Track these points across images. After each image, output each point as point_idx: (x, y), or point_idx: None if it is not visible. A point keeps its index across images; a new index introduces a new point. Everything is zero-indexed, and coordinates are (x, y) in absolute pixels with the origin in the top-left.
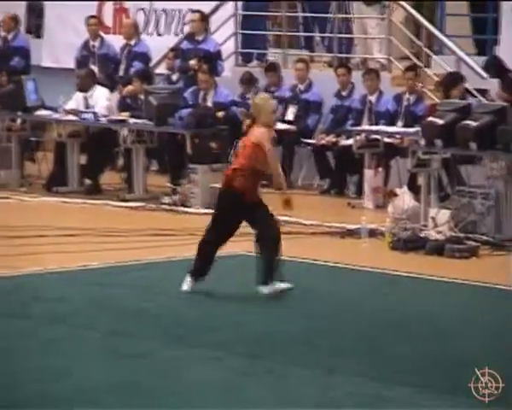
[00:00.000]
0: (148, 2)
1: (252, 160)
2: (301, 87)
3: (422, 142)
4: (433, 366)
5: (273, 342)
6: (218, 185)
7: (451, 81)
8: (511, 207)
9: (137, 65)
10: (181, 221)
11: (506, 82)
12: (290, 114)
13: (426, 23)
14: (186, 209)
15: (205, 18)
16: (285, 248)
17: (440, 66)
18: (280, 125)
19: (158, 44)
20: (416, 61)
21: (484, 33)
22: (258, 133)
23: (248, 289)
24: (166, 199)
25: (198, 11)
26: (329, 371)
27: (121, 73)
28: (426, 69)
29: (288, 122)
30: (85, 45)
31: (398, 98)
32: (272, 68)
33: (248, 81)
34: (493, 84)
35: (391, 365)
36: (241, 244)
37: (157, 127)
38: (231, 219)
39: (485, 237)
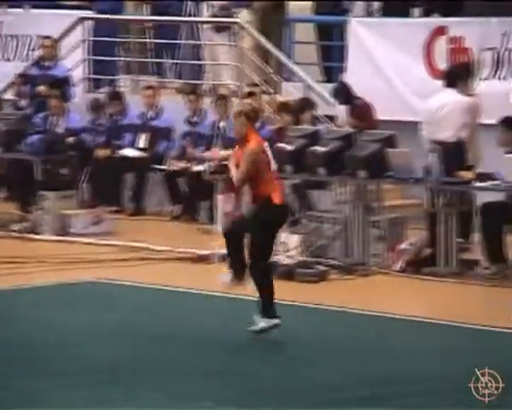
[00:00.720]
0: None
1: None
2: (151, 114)
3: None
4: (294, 390)
5: (131, 369)
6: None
7: (301, 107)
8: (359, 232)
9: None
10: (31, 248)
11: (354, 108)
12: (141, 140)
13: (274, 50)
14: (36, 236)
15: (55, 44)
16: (136, 274)
17: (289, 92)
18: (131, 152)
19: (5, 70)
20: (265, 87)
21: (331, 61)
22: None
23: (98, 315)
24: (16, 226)
25: (48, 37)
26: (189, 398)
27: None
28: (275, 95)
29: (139, 149)
30: None
31: None
32: (116, 97)
33: (96, 108)
34: (341, 111)
35: (253, 390)
36: (91, 271)
37: (5, 153)
38: None
39: (334, 262)
